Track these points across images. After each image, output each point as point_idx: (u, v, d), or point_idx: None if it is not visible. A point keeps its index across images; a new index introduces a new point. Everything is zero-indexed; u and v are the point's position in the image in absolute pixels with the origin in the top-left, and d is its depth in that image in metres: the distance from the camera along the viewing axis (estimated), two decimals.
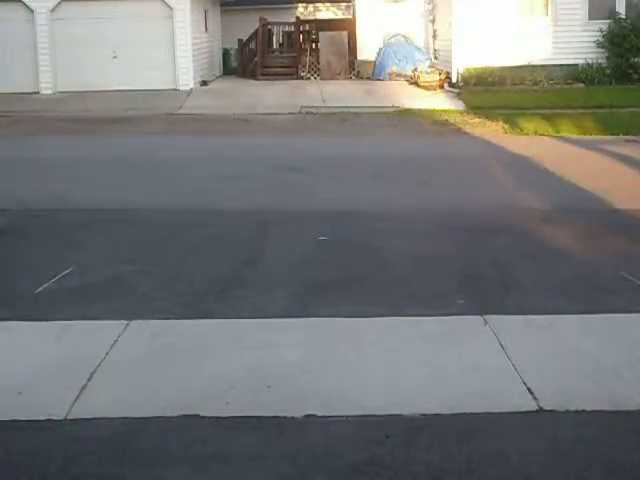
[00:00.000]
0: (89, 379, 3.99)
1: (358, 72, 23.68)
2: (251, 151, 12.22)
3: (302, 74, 23.71)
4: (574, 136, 13.39)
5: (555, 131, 13.75)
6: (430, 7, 23.20)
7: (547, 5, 19.68)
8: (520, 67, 19.12)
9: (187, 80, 21.01)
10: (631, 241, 6.67)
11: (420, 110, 16.66)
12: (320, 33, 24.27)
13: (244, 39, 25.13)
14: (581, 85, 19.01)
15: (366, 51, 23.51)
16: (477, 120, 15.19)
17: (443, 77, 20.10)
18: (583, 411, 3.65)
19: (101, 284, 5.58)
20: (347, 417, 3.59)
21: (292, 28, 24.94)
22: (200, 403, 3.72)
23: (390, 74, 22.13)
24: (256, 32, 24.29)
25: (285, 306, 5.10)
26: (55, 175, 9.95)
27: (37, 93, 20.55)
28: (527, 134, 13.72)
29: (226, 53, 26.61)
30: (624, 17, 19.38)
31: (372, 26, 23.38)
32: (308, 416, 3.60)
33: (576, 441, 3.41)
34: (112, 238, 6.83)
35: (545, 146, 12.48)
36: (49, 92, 20.62)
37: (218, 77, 24.89)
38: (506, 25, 18.94)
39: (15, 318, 4.86)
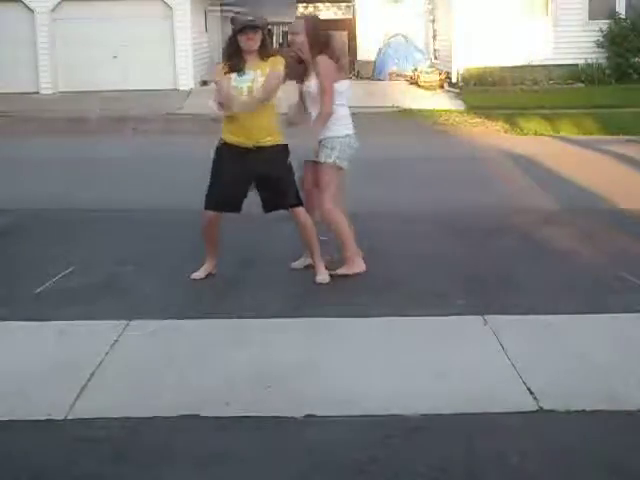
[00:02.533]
0: (89, 379, 3.98)
1: (358, 72, 23.68)
2: None
3: None
4: (574, 136, 13.39)
5: (555, 131, 13.75)
6: (430, 7, 23.22)
7: (547, 5, 19.68)
8: (520, 67, 19.12)
9: (187, 80, 21.02)
10: (632, 241, 6.67)
11: (420, 110, 16.66)
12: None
13: None
14: (581, 85, 19.02)
15: (366, 51, 23.53)
16: (477, 120, 15.19)
17: (443, 77, 20.10)
18: (583, 411, 3.64)
19: (101, 284, 5.58)
20: (347, 417, 3.59)
21: None
22: (200, 403, 3.72)
23: (390, 74, 22.12)
24: None
25: (285, 306, 5.10)
26: (55, 175, 9.96)
27: (37, 93, 20.55)
28: (527, 134, 13.73)
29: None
30: (624, 17, 19.40)
31: (372, 26, 23.39)
32: (308, 416, 3.60)
33: (576, 441, 3.41)
34: (113, 238, 6.83)
35: (545, 146, 12.48)
36: (49, 92, 20.62)
37: None
38: (506, 25, 18.94)
39: (15, 318, 4.86)
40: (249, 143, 5.37)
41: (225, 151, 5.47)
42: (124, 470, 3.21)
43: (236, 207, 5.52)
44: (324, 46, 5.52)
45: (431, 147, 12.49)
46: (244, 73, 5.32)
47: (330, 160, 5.58)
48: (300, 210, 5.54)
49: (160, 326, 4.74)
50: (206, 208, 5.49)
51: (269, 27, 24.55)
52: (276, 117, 5.52)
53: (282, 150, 5.47)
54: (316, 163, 5.57)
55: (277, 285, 5.55)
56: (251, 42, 5.28)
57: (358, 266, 5.71)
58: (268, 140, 5.38)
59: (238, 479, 3.17)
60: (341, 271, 5.65)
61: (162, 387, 3.92)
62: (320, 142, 5.53)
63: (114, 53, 20.71)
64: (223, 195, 5.45)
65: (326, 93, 5.44)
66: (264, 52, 5.37)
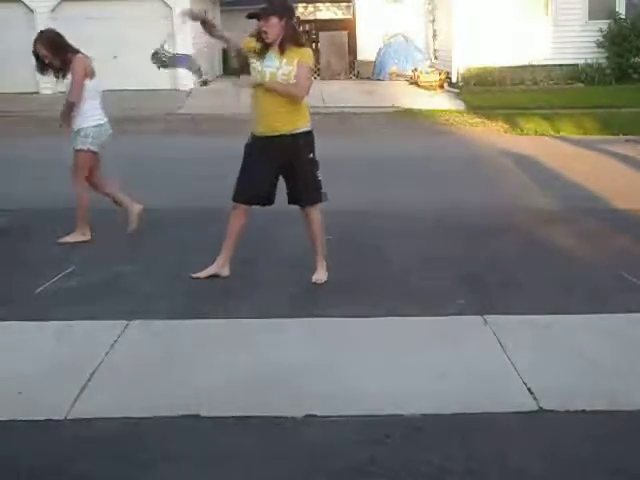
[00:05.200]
0: (89, 379, 3.99)
1: (358, 72, 23.68)
2: None
3: None
4: (574, 136, 13.39)
5: (555, 131, 13.75)
6: (430, 7, 23.21)
7: (547, 5, 19.69)
8: (520, 67, 19.13)
9: (187, 80, 21.00)
10: (632, 241, 6.67)
11: (420, 110, 16.65)
12: (320, 33, 24.27)
13: None
14: (581, 85, 19.03)
15: (366, 51, 23.51)
16: (477, 120, 15.19)
17: (443, 77, 20.10)
18: (583, 411, 3.65)
19: (101, 284, 5.58)
20: (347, 417, 3.59)
21: None
22: (200, 403, 3.72)
23: (390, 74, 22.12)
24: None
25: (285, 306, 5.10)
26: (55, 175, 9.93)
27: (37, 93, 20.56)
28: (527, 134, 13.73)
29: (226, 53, 26.60)
30: (624, 17, 19.41)
31: (372, 26, 23.38)
32: (308, 416, 3.60)
33: (576, 441, 3.41)
34: (112, 238, 6.82)
35: (545, 146, 12.48)
36: (49, 92, 20.58)
37: (218, 77, 24.89)
38: (506, 25, 18.94)
39: (15, 318, 4.86)
40: (270, 131, 5.39)
41: (253, 144, 5.51)
42: (124, 470, 3.21)
43: (266, 199, 5.53)
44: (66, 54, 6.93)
45: (431, 147, 12.49)
46: (267, 59, 5.33)
47: (84, 147, 6.83)
48: (314, 208, 5.53)
49: (160, 326, 4.74)
50: (234, 200, 5.53)
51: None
52: (296, 104, 5.42)
53: (303, 137, 5.45)
54: (75, 150, 6.89)
55: (277, 285, 5.55)
56: (263, 33, 5.30)
57: (83, 236, 6.69)
58: (288, 128, 5.37)
59: (238, 479, 3.17)
60: (65, 239, 6.63)
61: (162, 387, 3.92)
62: (77, 132, 6.90)
63: (114, 53, 20.71)
64: (252, 188, 5.46)
65: (74, 87, 6.81)
66: (286, 43, 5.29)
